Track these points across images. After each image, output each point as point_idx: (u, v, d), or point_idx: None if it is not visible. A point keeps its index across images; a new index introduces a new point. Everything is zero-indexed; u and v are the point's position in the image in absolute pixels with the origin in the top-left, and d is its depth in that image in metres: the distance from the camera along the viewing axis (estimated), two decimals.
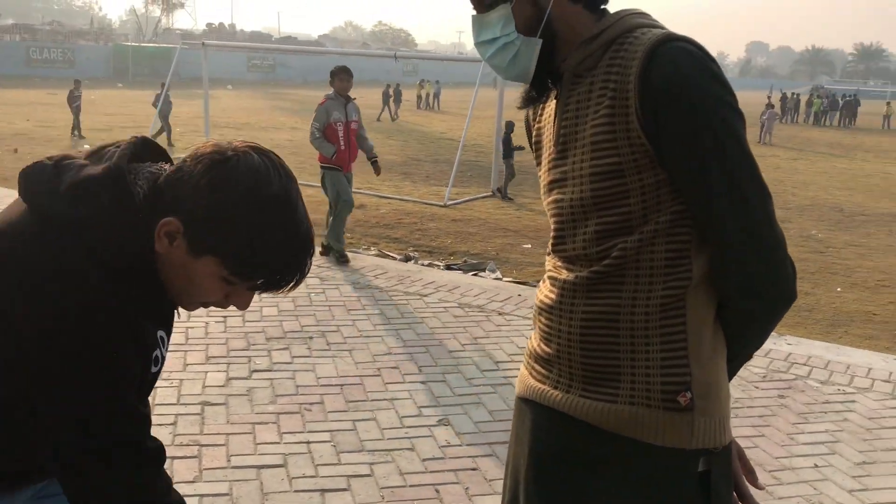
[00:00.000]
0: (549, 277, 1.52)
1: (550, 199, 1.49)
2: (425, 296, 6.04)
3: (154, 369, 1.32)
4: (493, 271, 7.47)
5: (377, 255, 7.74)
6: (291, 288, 1.30)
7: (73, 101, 17.92)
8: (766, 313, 1.38)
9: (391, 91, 29.73)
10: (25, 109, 22.92)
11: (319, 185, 7.27)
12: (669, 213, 1.34)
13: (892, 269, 8.67)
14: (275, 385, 4.22)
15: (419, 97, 36.20)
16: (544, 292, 1.53)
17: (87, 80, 35.70)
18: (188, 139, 17.17)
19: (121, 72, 47.63)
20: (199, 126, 19.13)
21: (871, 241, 10.28)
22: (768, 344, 4.93)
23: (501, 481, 3.33)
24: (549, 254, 1.56)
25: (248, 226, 1.20)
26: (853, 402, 4.47)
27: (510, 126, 12.72)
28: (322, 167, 7.14)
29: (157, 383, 1.35)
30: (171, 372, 4.28)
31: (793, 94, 43.78)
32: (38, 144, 15.15)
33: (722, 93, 1.29)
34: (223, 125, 21.38)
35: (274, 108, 30.60)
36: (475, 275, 7.16)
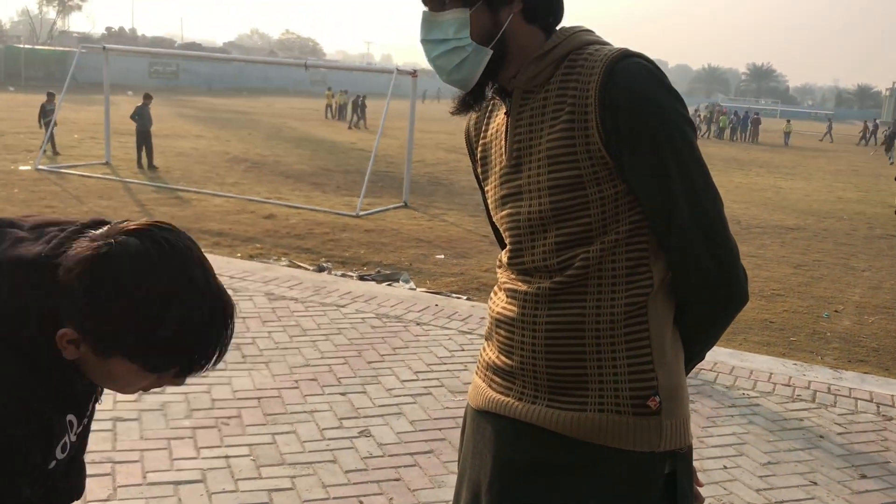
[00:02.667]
0: (506, 290, 1.51)
1: (504, 213, 1.49)
2: (342, 306, 6.00)
3: (61, 456, 1.25)
4: (406, 282, 7.48)
5: (289, 266, 7.64)
6: (217, 361, 1.23)
7: (45, 116, 16.27)
8: (722, 315, 1.44)
9: (359, 101, 31.21)
10: None
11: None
12: (628, 222, 1.38)
13: (785, 279, 9.10)
14: (190, 399, 4.11)
15: (328, 107, 35.97)
16: (501, 305, 1.52)
17: None
18: (87, 147, 16.55)
19: (13, 75, 45.55)
20: (98, 133, 18.45)
21: (766, 252, 10.77)
22: None
23: (425, 491, 3.35)
24: (501, 267, 1.56)
25: (139, 323, 1.13)
26: (757, 405, 4.68)
27: None
28: None
29: None
30: None
31: (700, 110, 45.67)
32: None
33: (678, 106, 1.35)
34: (124, 132, 20.65)
35: (177, 116, 29.78)
36: (389, 285, 7.15)
